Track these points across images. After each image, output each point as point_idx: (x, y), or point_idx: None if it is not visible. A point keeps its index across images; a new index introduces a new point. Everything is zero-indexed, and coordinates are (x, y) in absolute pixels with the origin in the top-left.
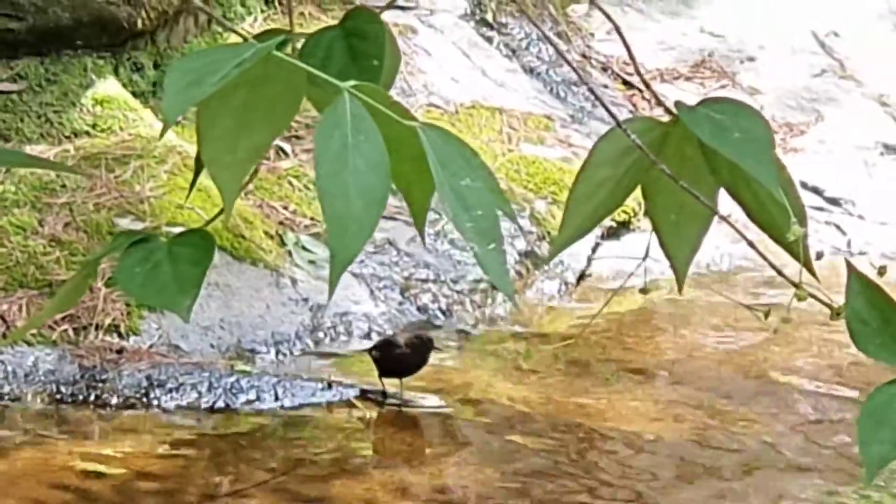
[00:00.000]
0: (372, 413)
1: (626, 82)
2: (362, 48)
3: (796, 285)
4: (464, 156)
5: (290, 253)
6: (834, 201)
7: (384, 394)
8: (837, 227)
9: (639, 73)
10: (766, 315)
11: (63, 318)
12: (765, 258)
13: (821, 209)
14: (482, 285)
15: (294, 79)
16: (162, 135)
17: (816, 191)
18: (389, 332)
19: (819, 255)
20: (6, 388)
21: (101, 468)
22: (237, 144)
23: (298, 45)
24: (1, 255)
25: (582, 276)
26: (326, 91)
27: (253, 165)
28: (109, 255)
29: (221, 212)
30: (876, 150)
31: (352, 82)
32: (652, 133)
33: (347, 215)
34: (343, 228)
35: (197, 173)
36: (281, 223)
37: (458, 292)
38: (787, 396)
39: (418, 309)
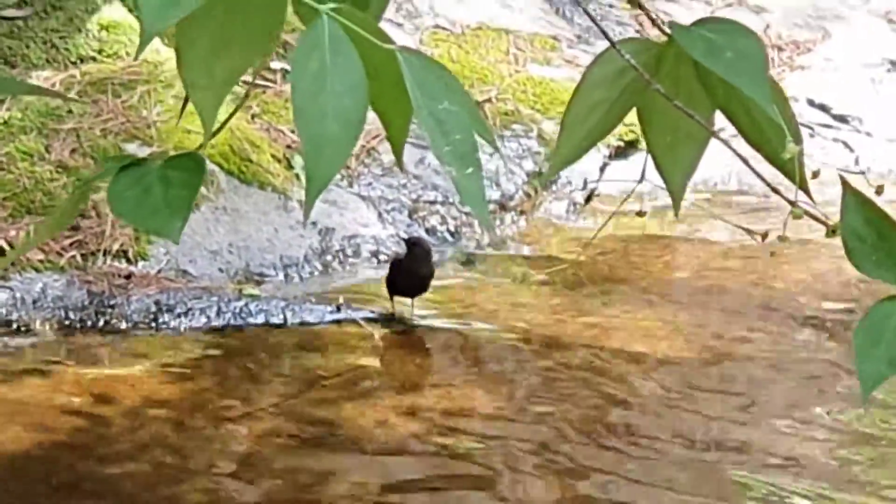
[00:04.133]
0: (381, 335)
1: (630, 1)
2: None
3: (792, 203)
4: (443, 80)
5: (297, 176)
6: (841, 118)
7: (393, 316)
8: (845, 144)
9: None
10: (764, 237)
11: (71, 244)
12: (761, 177)
13: (828, 126)
14: (490, 206)
15: (274, 1)
16: (137, 54)
17: (823, 108)
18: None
19: (815, 174)
20: (14, 315)
21: (111, 393)
22: (215, 67)
23: None
24: (8, 181)
25: (590, 197)
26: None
27: (231, 88)
28: (100, 179)
29: (214, 135)
30: (883, 66)
31: (331, 4)
32: (647, 54)
33: (324, 137)
34: (319, 151)
35: (187, 98)
36: (288, 146)
37: (466, 214)
38: (792, 314)
39: (427, 231)
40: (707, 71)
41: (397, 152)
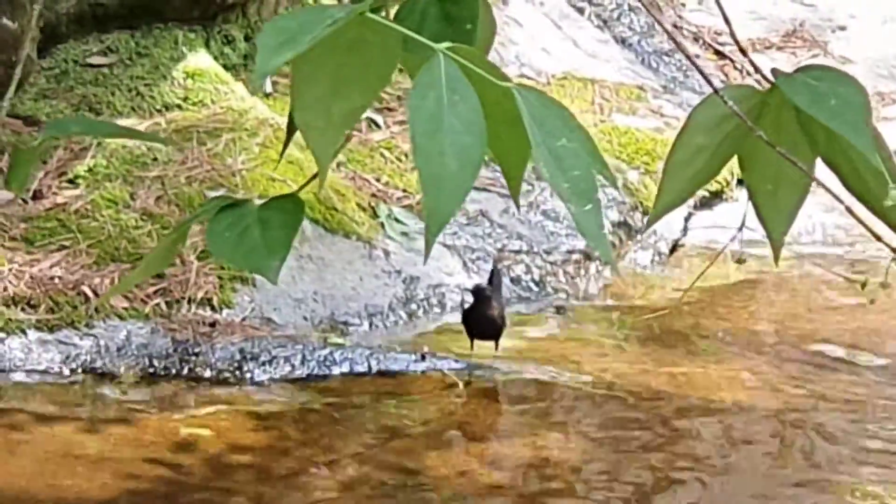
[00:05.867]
0: (466, 384)
1: (717, 52)
2: (455, 12)
3: (895, 251)
4: (560, 116)
5: (382, 225)
6: None
7: (478, 366)
8: None
9: (736, 41)
10: (864, 285)
11: (155, 292)
12: (863, 224)
13: None
14: (575, 256)
15: (389, 42)
16: (255, 92)
17: None
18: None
19: None
20: (99, 363)
21: (195, 441)
22: (331, 109)
23: (392, 12)
24: (93, 228)
25: (675, 247)
26: (421, 54)
27: (347, 130)
28: (199, 219)
29: (314, 177)
30: None
31: (447, 44)
32: (749, 101)
33: (443, 175)
34: (438, 188)
35: (287, 142)
36: (373, 195)
37: (551, 263)
38: (878, 366)
39: (511, 280)
40: (809, 118)
41: (514, 190)
